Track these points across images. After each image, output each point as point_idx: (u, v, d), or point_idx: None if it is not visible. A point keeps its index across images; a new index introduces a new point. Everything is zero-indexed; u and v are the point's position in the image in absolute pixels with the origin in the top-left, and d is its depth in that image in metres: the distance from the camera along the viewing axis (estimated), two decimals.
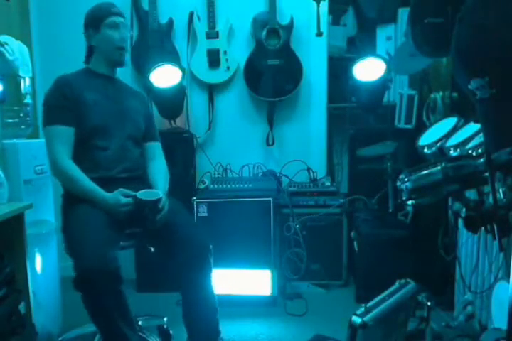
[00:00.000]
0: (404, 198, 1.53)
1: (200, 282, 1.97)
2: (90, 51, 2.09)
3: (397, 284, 1.75)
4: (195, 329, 2.00)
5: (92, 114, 1.98)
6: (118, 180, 2.00)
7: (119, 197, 1.87)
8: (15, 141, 2.24)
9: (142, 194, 1.88)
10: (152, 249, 2.10)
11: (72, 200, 1.92)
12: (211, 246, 1.97)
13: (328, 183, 3.11)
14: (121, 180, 2.00)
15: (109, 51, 2.04)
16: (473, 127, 2.00)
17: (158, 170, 2.16)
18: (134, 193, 1.88)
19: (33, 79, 2.49)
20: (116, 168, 2.02)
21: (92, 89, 2.02)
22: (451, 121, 2.21)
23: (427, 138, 2.22)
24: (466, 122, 2.12)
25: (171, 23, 3.13)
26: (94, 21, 2.02)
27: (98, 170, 1.98)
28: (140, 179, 2.09)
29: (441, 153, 2.06)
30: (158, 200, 1.89)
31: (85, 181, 1.90)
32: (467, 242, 2.20)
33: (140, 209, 1.87)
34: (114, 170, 2.02)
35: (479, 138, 1.85)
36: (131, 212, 1.88)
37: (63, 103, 1.95)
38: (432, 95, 2.72)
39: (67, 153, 1.93)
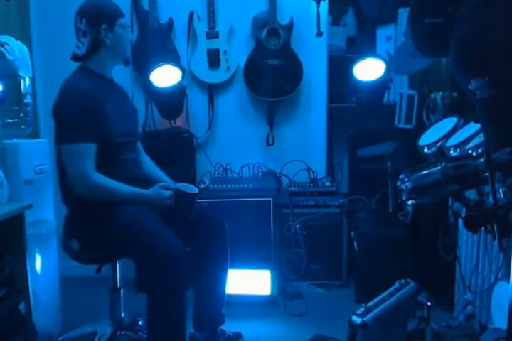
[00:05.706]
0: (404, 198, 1.53)
1: (219, 259, 2.09)
2: (95, 47, 1.98)
3: (397, 284, 1.75)
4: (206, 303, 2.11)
5: (115, 124, 1.95)
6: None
7: (160, 190, 1.95)
8: (15, 141, 2.24)
9: (182, 187, 1.98)
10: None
11: (108, 205, 1.89)
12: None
13: (328, 183, 3.10)
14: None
15: (123, 49, 2.05)
16: (473, 127, 2.00)
17: (153, 165, 2.25)
18: (173, 186, 1.98)
19: (33, 79, 2.49)
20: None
21: (107, 98, 1.96)
22: (451, 121, 2.21)
23: (427, 138, 2.22)
24: (466, 122, 2.12)
25: (171, 23, 3.12)
26: (108, 18, 1.97)
27: (135, 170, 2.05)
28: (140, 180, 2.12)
29: (441, 153, 2.06)
30: (197, 193, 2.00)
31: (122, 186, 1.92)
32: (467, 242, 2.20)
33: (180, 201, 1.96)
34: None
35: (479, 138, 1.85)
36: (170, 205, 1.96)
37: (85, 119, 1.86)
38: (432, 95, 2.72)
39: (95, 169, 1.89)
